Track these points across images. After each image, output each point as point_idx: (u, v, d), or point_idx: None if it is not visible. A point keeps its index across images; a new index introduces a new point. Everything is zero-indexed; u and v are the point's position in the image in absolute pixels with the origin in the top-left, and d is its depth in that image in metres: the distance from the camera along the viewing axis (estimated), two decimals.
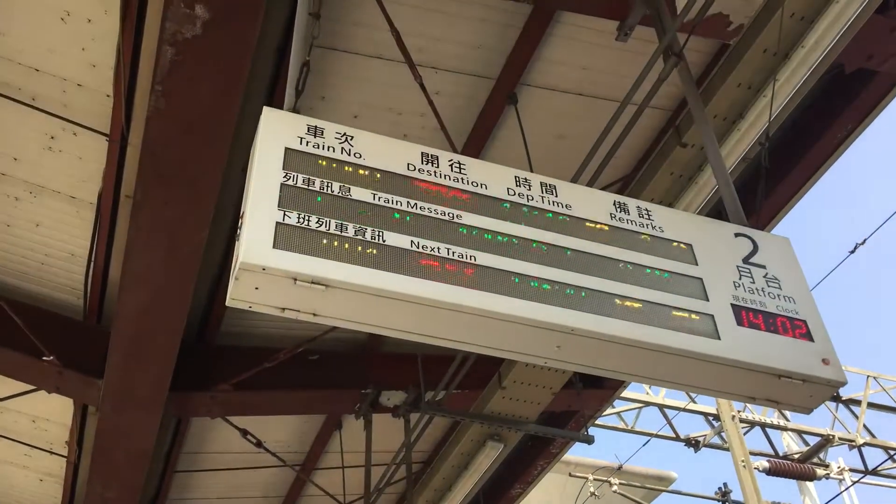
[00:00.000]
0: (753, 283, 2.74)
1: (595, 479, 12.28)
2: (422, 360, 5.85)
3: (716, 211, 4.25)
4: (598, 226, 2.72)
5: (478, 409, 5.84)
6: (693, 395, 11.98)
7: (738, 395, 2.68)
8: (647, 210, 2.86)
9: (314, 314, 2.27)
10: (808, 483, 12.32)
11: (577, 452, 12.32)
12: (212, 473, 7.44)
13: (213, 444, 7.07)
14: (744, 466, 10.43)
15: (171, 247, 4.24)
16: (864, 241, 8.23)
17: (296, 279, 2.18)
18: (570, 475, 12.27)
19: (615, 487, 12.22)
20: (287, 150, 2.46)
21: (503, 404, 5.69)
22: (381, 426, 6.69)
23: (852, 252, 8.36)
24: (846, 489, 12.02)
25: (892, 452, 12.39)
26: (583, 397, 6.25)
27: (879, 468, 12.55)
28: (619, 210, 2.82)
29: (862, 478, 12.09)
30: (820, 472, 11.91)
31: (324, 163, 2.48)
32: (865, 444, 12.34)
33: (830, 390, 2.65)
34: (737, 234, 2.91)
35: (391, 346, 6.37)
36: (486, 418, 5.79)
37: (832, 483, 12.32)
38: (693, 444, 12.02)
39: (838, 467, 12.32)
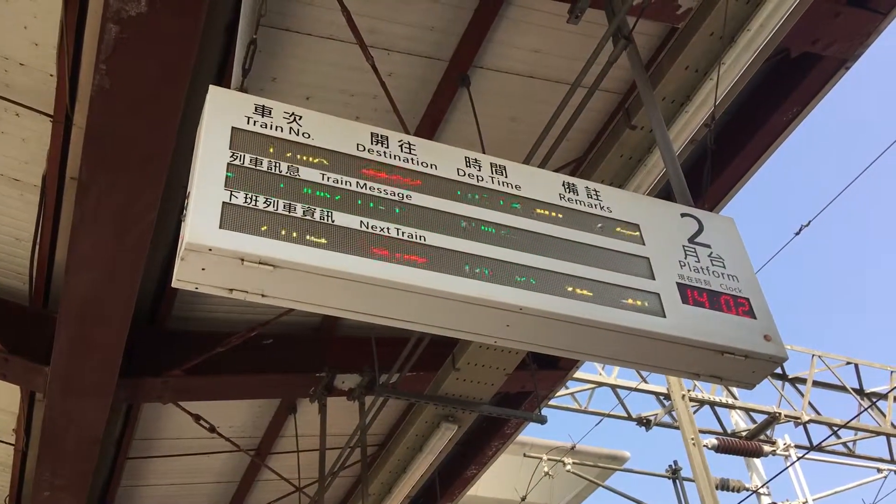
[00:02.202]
0: (698, 262, 2.79)
1: (549, 460, 12.43)
2: (376, 343, 5.85)
3: (665, 193, 4.32)
4: (547, 206, 2.75)
5: (432, 391, 5.87)
6: (644, 375, 12.19)
7: (684, 372, 2.74)
8: (595, 191, 2.90)
9: (262, 295, 2.25)
10: (755, 459, 12.64)
11: (531, 433, 12.47)
12: (165, 459, 7.37)
13: (165, 429, 6.99)
14: (693, 444, 10.65)
15: (118, 230, 4.16)
16: (809, 222, 8.43)
17: (243, 260, 2.16)
18: (524, 455, 12.40)
19: (569, 467, 12.40)
20: (234, 129, 2.43)
21: (457, 386, 5.73)
22: (335, 409, 6.69)
23: (797, 234, 8.56)
24: (791, 464, 12.37)
25: (835, 429, 12.77)
26: (536, 378, 6.31)
27: (824, 444, 12.92)
28: (568, 191, 2.85)
29: (806, 453, 12.43)
30: (767, 448, 12.23)
31: (272, 143, 2.46)
32: (811, 421, 12.68)
33: (772, 366, 2.72)
34: (683, 215, 2.96)
35: (345, 329, 6.36)
36: (441, 400, 5.82)
37: (778, 459, 12.67)
38: (644, 423, 12.24)
39: (784, 444, 12.65)
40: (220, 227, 2.18)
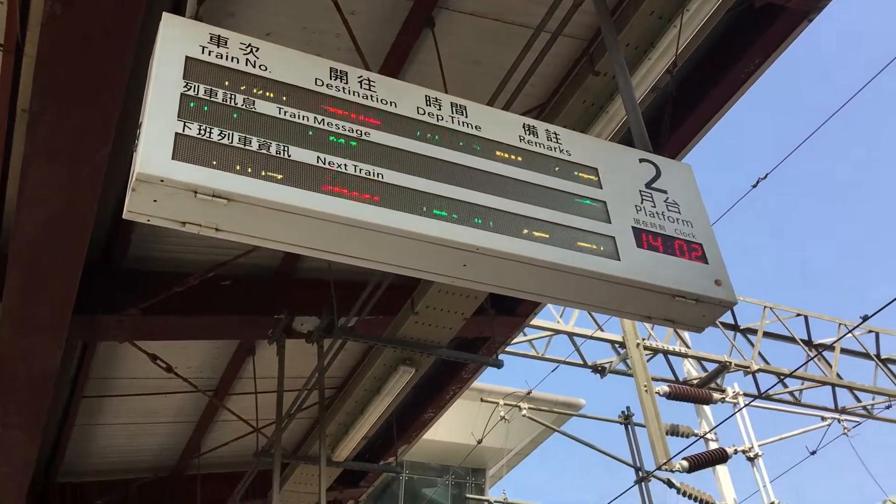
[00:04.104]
0: (654, 206, 2.82)
1: (506, 405, 12.66)
2: (335, 286, 5.84)
3: (626, 142, 4.34)
4: (507, 147, 2.74)
5: (390, 334, 5.90)
6: (601, 323, 12.39)
7: (636, 315, 2.78)
8: (555, 133, 2.90)
9: (216, 229, 2.23)
10: (704, 406, 13.00)
11: (489, 380, 12.68)
12: (121, 399, 7.34)
13: (122, 369, 6.95)
14: (646, 391, 10.91)
15: (70, 163, 4.06)
16: (766, 175, 8.54)
17: (196, 192, 2.13)
18: (481, 401, 12.61)
19: (524, 412, 12.64)
20: (188, 59, 2.37)
21: (416, 329, 5.76)
22: (294, 352, 6.70)
23: (754, 186, 8.67)
24: (738, 411, 12.74)
25: (782, 377, 13.16)
26: (494, 324, 6.38)
27: (771, 392, 13.33)
28: (528, 133, 2.84)
29: (752, 401, 12.82)
30: (716, 396, 12.57)
31: (227, 74, 2.41)
32: (759, 370, 13.04)
33: (722, 310, 2.78)
34: (641, 160, 2.98)
35: (305, 271, 6.34)
36: (399, 343, 5.86)
37: (728, 406, 13.04)
38: (600, 370, 12.47)
39: (733, 392, 13.03)
40: (173, 159, 2.14)
